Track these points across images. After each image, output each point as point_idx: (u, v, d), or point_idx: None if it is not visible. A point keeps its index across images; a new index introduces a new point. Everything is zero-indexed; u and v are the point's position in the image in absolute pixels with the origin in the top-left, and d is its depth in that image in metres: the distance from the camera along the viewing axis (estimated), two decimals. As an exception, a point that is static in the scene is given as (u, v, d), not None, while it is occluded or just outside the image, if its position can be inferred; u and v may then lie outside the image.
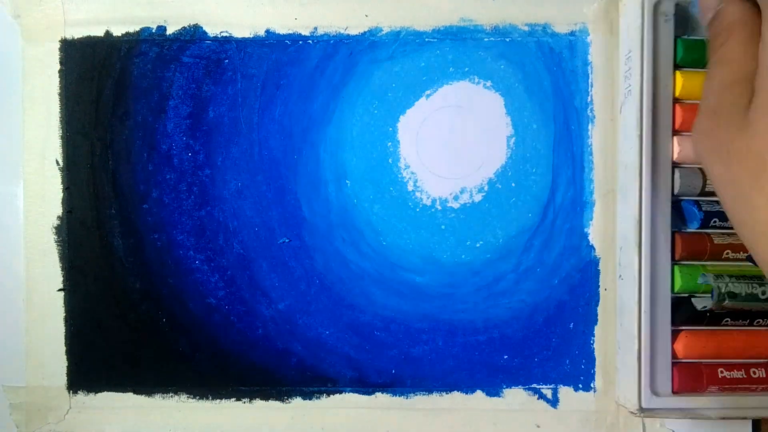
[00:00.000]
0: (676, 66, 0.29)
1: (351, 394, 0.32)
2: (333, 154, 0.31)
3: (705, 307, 0.28)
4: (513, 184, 0.31)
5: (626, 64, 0.29)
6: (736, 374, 0.28)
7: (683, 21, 0.29)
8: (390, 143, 0.31)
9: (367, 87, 0.31)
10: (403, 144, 0.31)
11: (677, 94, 0.29)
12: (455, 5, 0.31)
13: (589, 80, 0.31)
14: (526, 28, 0.31)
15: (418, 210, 0.31)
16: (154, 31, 0.31)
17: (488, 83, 0.31)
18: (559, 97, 0.31)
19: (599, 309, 0.31)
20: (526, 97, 0.31)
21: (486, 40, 0.31)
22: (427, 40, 0.31)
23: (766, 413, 0.29)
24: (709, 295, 0.27)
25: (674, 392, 0.28)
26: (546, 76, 0.31)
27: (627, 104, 0.29)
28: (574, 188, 0.31)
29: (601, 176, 0.31)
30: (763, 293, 0.27)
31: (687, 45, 0.29)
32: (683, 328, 0.29)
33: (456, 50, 0.31)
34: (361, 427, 0.32)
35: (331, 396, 0.32)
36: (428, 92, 0.31)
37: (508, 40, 0.31)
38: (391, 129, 0.31)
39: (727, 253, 0.29)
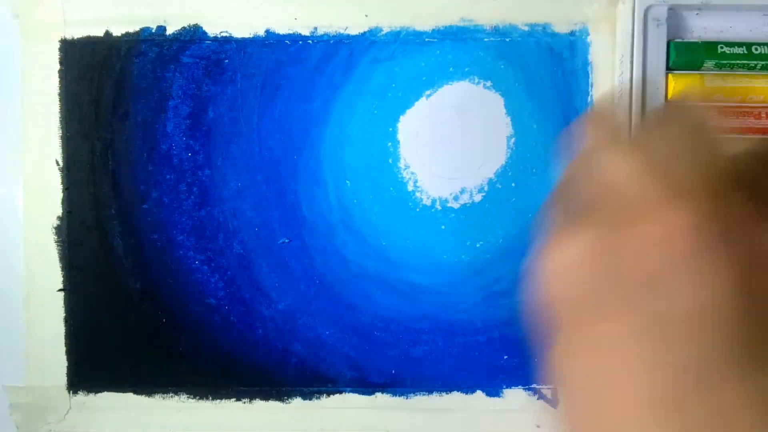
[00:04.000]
0: (669, 69, 0.28)
1: (351, 394, 0.31)
2: (333, 154, 0.30)
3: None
4: (513, 184, 0.30)
5: (619, 68, 0.29)
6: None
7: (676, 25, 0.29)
8: (390, 143, 0.30)
9: (367, 87, 0.30)
10: (403, 144, 0.30)
11: (669, 97, 0.28)
12: (455, 5, 0.30)
13: (590, 80, 0.30)
14: (526, 28, 0.30)
15: (418, 210, 0.31)
16: (153, 31, 0.30)
17: (488, 83, 0.30)
18: (559, 97, 0.30)
19: (599, 309, 0.31)
20: (526, 97, 0.30)
21: (486, 40, 0.30)
22: (427, 40, 0.30)
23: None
24: None
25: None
26: (546, 76, 0.30)
27: (620, 107, 0.29)
28: (574, 188, 0.31)
29: (601, 176, 0.31)
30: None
31: (679, 48, 0.28)
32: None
33: (456, 50, 0.30)
34: (361, 427, 0.30)
35: (331, 396, 0.31)
36: (428, 92, 0.30)
37: (508, 40, 0.30)
38: (391, 129, 0.30)
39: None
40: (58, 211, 0.31)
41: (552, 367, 0.16)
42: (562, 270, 0.15)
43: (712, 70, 0.29)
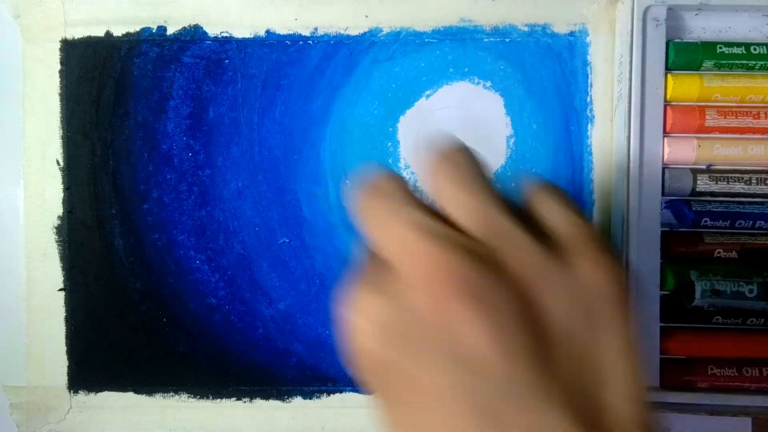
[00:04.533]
0: (668, 69, 0.28)
1: (351, 393, 0.31)
2: (333, 154, 0.30)
3: (692, 304, 0.27)
4: (513, 184, 0.31)
5: (619, 68, 0.29)
6: (728, 372, 0.28)
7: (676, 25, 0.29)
8: (390, 143, 0.30)
9: (367, 87, 0.30)
10: (403, 144, 0.30)
11: (668, 97, 0.28)
12: (455, 5, 0.30)
13: (589, 81, 0.30)
14: (525, 29, 0.30)
15: (418, 210, 0.31)
16: (154, 31, 0.30)
17: (488, 83, 0.30)
18: (559, 97, 0.30)
19: (599, 309, 0.31)
20: (526, 98, 0.30)
21: (486, 40, 0.30)
22: (427, 40, 0.30)
23: (756, 411, 0.28)
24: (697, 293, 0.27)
25: (662, 387, 0.28)
26: (546, 76, 0.30)
27: (619, 108, 0.29)
28: (573, 188, 0.30)
29: (600, 176, 0.30)
30: (750, 292, 0.27)
31: (679, 48, 0.28)
32: (673, 325, 0.28)
33: (456, 50, 0.30)
34: (361, 427, 0.30)
35: (332, 395, 0.31)
36: (428, 92, 0.30)
37: (507, 40, 0.30)
38: (391, 129, 0.30)
39: (719, 252, 0.28)
40: (59, 211, 0.31)
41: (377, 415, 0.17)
42: (362, 335, 0.16)
43: (711, 70, 0.29)
